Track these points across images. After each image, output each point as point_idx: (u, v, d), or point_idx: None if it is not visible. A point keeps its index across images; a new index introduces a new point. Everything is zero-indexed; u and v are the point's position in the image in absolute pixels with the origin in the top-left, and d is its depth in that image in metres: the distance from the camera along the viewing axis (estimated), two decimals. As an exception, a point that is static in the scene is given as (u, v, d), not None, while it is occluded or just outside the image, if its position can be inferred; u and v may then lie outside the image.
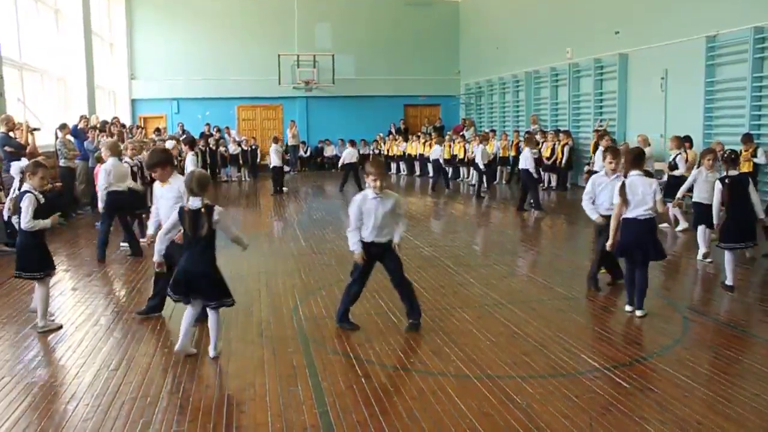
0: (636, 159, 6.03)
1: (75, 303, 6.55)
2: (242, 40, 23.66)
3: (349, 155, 17.67)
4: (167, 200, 5.66)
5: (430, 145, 21.29)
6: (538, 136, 17.25)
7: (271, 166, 17.59)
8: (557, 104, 19.01)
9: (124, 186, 8.77)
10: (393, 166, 23.48)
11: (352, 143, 18.84)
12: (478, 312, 6.13)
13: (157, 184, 5.88)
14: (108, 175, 8.52)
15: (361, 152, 22.12)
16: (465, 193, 17.01)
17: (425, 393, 4.28)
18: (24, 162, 5.24)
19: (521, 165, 13.13)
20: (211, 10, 23.57)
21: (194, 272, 4.83)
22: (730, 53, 12.45)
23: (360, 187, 17.58)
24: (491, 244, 10.21)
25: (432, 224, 12.14)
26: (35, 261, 5.66)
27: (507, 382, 4.42)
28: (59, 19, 17.10)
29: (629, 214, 5.84)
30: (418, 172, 22.20)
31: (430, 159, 18.87)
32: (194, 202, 4.81)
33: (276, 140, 18.05)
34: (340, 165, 18.38)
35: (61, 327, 5.74)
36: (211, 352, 4.98)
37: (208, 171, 19.49)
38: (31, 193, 5.58)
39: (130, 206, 9.17)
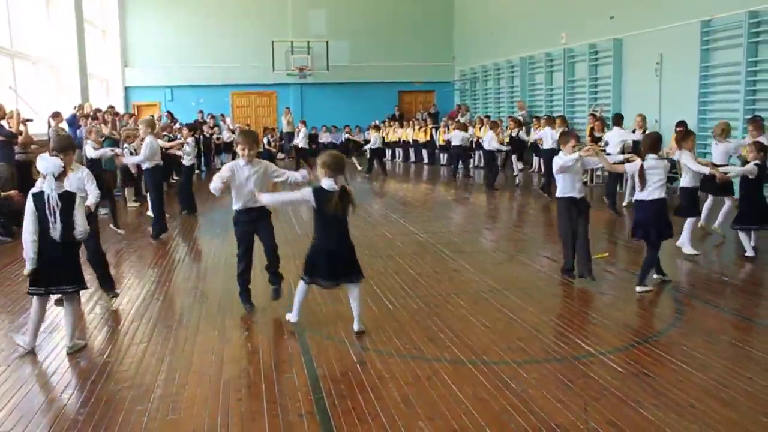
0: (655, 143, 6.35)
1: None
2: (236, 26, 23.53)
3: (374, 140, 18.26)
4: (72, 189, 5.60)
5: (425, 132, 21.29)
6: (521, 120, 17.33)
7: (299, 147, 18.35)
8: (552, 90, 18.97)
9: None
10: (389, 152, 23.42)
11: (377, 128, 19.21)
12: (473, 298, 6.13)
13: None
14: (148, 150, 9.01)
15: (352, 138, 22.22)
16: (458, 179, 16.98)
17: (420, 379, 4.29)
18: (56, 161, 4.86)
19: (545, 145, 13.15)
20: (204, -4, 23.46)
21: (342, 252, 5.01)
22: (725, 38, 12.42)
23: (384, 170, 18.20)
24: (487, 230, 10.21)
25: (426, 210, 12.11)
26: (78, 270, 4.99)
27: (502, 368, 4.43)
28: (50, 6, 16.94)
29: (643, 196, 6.19)
30: (413, 158, 22.18)
31: (454, 144, 17.47)
32: (327, 183, 4.90)
33: (304, 123, 19.18)
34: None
35: (86, 345, 5.06)
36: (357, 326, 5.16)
37: (203, 158, 19.52)
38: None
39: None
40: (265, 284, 6.09)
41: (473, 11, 24.08)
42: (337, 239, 5.03)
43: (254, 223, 5.61)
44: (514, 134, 15.56)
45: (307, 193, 4.96)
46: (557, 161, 6.44)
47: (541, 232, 9.93)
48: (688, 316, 5.59)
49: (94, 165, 8.75)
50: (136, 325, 5.52)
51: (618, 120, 12.03)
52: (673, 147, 10.18)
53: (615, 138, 11.46)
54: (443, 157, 20.59)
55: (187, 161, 11.57)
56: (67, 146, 5.60)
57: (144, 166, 9.44)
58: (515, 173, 14.67)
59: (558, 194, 6.61)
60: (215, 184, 5.33)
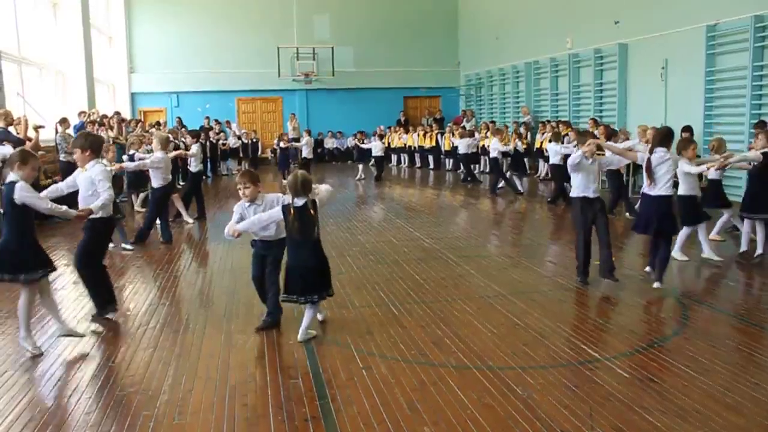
0: (664, 138, 6.45)
1: (77, 297, 6.55)
2: (241, 32, 23.62)
3: (376, 148, 18.41)
4: (83, 188, 5.59)
5: (431, 138, 21.32)
6: (523, 129, 17.42)
7: (302, 157, 18.30)
8: (557, 95, 18.97)
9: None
10: (394, 157, 23.43)
11: (381, 137, 19.10)
12: (478, 303, 6.14)
13: (78, 171, 5.69)
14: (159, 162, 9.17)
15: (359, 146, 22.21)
16: (464, 185, 16.97)
17: (426, 384, 4.29)
18: (7, 149, 4.80)
19: (551, 160, 13.25)
20: (210, 2, 23.55)
21: (304, 268, 5.07)
22: (731, 42, 12.41)
23: (380, 177, 18.32)
24: (492, 235, 10.21)
25: (431, 216, 12.12)
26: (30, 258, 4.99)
27: (507, 373, 4.44)
28: (57, 12, 17.06)
29: (650, 191, 6.30)
30: (418, 164, 22.22)
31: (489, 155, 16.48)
32: (299, 201, 5.00)
33: (309, 132, 19.29)
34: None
35: (42, 354, 5.02)
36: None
37: (209, 164, 19.59)
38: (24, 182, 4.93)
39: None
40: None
41: (478, 16, 24.10)
42: (298, 256, 5.09)
43: (267, 249, 5.58)
44: (519, 147, 15.57)
45: (276, 212, 5.13)
46: (569, 160, 6.51)
47: (546, 238, 9.92)
48: (694, 321, 5.58)
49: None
50: (142, 330, 5.54)
51: (611, 133, 12.15)
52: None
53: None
54: (449, 163, 20.62)
55: (194, 167, 11.61)
56: (78, 145, 5.60)
57: (153, 184, 9.43)
58: (521, 190, 14.59)
59: (572, 194, 6.62)
60: (227, 230, 5.35)
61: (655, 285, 6.39)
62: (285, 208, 5.05)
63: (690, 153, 6.93)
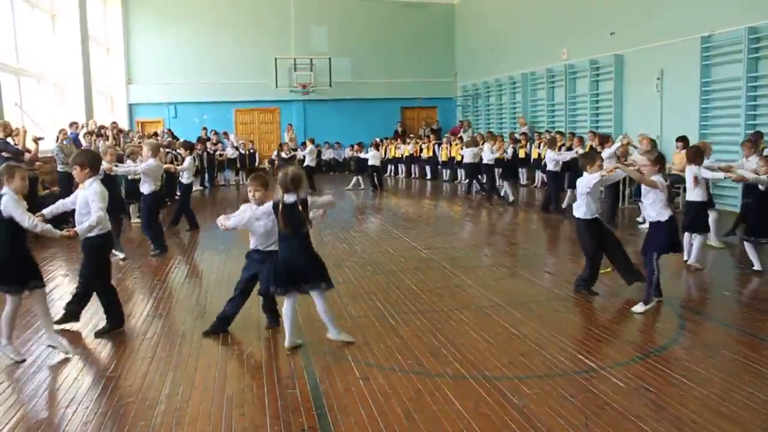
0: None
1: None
2: (239, 43, 23.68)
3: (373, 157, 18.32)
4: (78, 206, 5.62)
5: (428, 148, 21.39)
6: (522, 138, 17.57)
7: (304, 165, 18.12)
8: (554, 105, 19.06)
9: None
10: (391, 168, 23.48)
11: (376, 146, 19.08)
12: (475, 313, 6.15)
13: (79, 189, 5.74)
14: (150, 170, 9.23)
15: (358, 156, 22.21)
16: (461, 195, 17.00)
17: (423, 394, 4.30)
18: None
19: (548, 167, 13.31)
20: (208, 13, 23.60)
21: (297, 262, 5.12)
22: (725, 53, 12.52)
23: (381, 186, 18.24)
24: (488, 245, 10.23)
25: (429, 226, 12.14)
26: (17, 271, 5.05)
27: (504, 383, 4.45)
28: (56, 23, 17.12)
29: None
30: (415, 174, 22.27)
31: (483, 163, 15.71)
32: (289, 198, 5.04)
33: (312, 141, 19.31)
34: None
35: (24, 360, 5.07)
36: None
37: (206, 175, 19.62)
38: (11, 195, 4.96)
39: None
40: (260, 298, 6.11)
41: (474, 27, 24.23)
42: (290, 250, 5.14)
43: (262, 263, 5.58)
44: (508, 154, 15.71)
45: (267, 207, 5.21)
46: (584, 183, 6.47)
47: (542, 248, 9.95)
48: (690, 330, 5.60)
49: (109, 181, 8.71)
50: (140, 341, 5.55)
51: (604, 139, 12.27)
52: (676, 163, 10.22)
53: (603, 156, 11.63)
54: (446, 173, 20.68)
55: (185, 179, 11.64)
56: (77, 162, 5.64)
57: (143, 190, 9.38)
58: (510, 198, 14.68)
59: (582, 216, 6.56)
60: (221, 220, 5.38)
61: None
62: (274, 204, 5.12)
63: (699, 160, 7.49)
